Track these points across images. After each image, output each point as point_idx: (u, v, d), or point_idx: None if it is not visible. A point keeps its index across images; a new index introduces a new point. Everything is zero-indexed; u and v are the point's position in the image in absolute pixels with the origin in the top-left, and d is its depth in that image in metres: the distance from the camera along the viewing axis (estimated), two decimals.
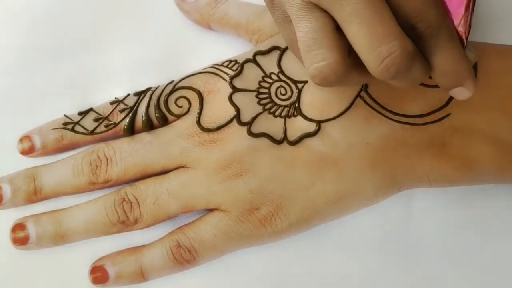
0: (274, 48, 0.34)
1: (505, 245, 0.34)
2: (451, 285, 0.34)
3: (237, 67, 0.34)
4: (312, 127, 0.32)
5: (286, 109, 0.33)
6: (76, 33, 0.37)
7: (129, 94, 0.35)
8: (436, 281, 0.34)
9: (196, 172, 0.33)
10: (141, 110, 0.34)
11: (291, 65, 0.33)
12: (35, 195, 0.34)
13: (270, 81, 0.33)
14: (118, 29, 0.37)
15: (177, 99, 0.34)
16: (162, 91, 0.34)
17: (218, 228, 0.33)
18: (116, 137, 0.34)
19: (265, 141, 0.33)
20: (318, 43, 0.26)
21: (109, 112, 0.34)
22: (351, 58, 0.26)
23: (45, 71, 0.36)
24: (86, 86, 0.36)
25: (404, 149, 0.32)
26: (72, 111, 0.35)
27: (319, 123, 0.32)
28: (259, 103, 0.33)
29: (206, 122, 0.33)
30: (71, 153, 0.35)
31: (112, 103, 0.35)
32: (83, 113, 0.35)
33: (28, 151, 0.35)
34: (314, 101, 0.33)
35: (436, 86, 0.32)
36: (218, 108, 0.33)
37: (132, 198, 0.33)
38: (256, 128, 0.33)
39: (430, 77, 0.28)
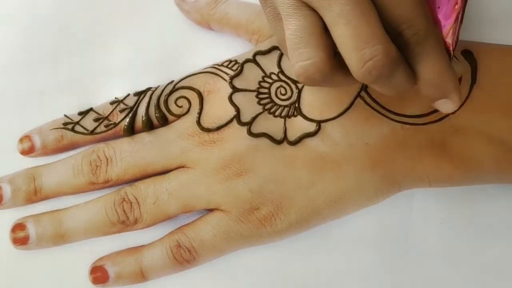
0: (274, 48, 0.34)
1: (505, 245, 0.34)
2: (451, 285, 0.34)
3: (237, 67, 0.34)
4: (312, 127, 0.32)
5: (286, 109, 0.33)
6: (76, 33, 0.37)
7: (129, 94, 0.35)
8: (436, 281, 0.34)
9: (196, 172, 0.33)
10: (141, 110, 0.34)
11: (291, 65, 0.33)
12: (35, 195, 0.34)
13: (270, 81, 0.33)
14: (118, 29, 0.37)
15: (177, 99, 0.34)
16: (162, 91, 0.34)
17: (218, 228, 0.33)
18: (116, 137, 0.35)
19: (265, 141, 0.33)
20: (305, 42, 0.26)
21: (109, 112, 0.34)
22: (337, 59, 0.26)
23: (45, 71, 0.36)
24: (86, 86, 0.36)
25: (404, 149, 0.32)
26: (72, 111, 0.35)
27: (319, 123, 0.32)
28: (259, 103, 0.33)
29: (206, 122, 0.33)
30: (71, 153, 0.35)
31: (112, 103, 0.35)
32: (83, 113, 0.35)
33: (28, 151, 0.35)
34: (314, 101, 0.33)
35: None
36: (218, 108, 0.33)
37: (132, 198, 0.33)
38: (256, 128, 0.33)
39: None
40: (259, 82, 0.33)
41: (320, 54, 0.26)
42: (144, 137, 0.34)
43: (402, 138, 0.32)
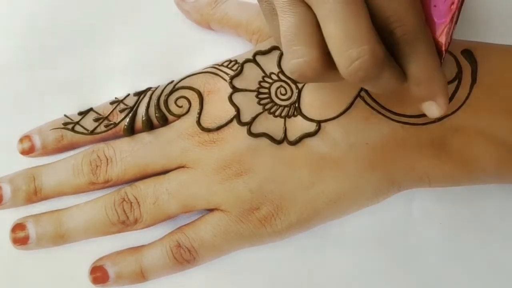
0: (274, 48, 0.34)
1: (505, 245, 0.34)
2: (451, 285, 0.34)
3: (237, 67, 0.34)
4: (312, 127, 0.32)
5: (286, 109, 0.33)
6: (76, 33, 0.37)
7: (129, 94, 0.35)
8: (436, 281, 0.34)
9: (196, 172, 0.33)
10: (141, 110, 0.34)
11: None
12: (35, 195, 0.34)
13: (270, 81, 0.33)
14: (118, 29, 0.37)
15: (177, 99, 0.34)
16: (162, 91, 0.34)
17: (218, 228, 0.33)
18: (116, 137, 0.35)
19: (265, 141, 0.33)
20: (298, 39, 0.26)
21: (109, 112, 0.34)
22: (330, 56, 0.26)
23: (45, 71, 0.36)
24: (86, 86, 0.36)
25: (404, 149, 0.32)
26: (72, 111, 0.35)
27: (319, 123, 0.32)
28: (259, 103, 0.33)
29: (206, 122, 0.33)
30: (71, 153, 0.35)
31: (112, 103, 0.35)
32: (83, 113, 0.35)
33: (28, 151, 0.35)
34: (314, 101, 0.33)
35: None
36: (218, 108, 0.33)
37: (132, 198, 0.33)
38: (256, 128, 0.33)
39: None
40: (259, 82, 0.33)
41: (313, 52, 0.26)
42: (144, 137, 0.34)
43: (402, 138, 0.32)
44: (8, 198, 0.34)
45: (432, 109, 0.28)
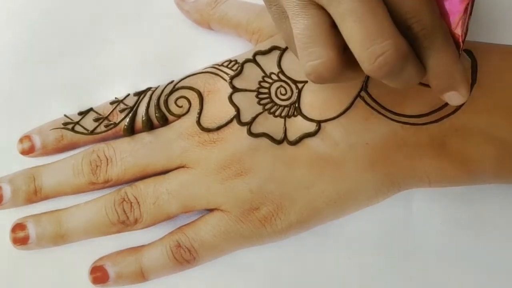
0: (274, 48, 0.34)
1: (505, 245, 0.34)
2: (451, 285, 0.34)
3: (237, 67, 0.34)
4: (312, 127, 0.32)
5: (286, 109, 0.33)
6: (76, 33, 0.37)
7: (129, 94, 0.35)
8: (436, 281, 0.34)
9: (196, 172, 0.33)
10: (141, 110, 0.34)
11: (291, 65, 0.33)
12: (35, 195, 0.34)
13: (270, 81, 0.33)
14: (118, 29, 0.37)
15: (177, 99, 0.34)
16: (162, 91, 0.34)
17: (218, 228, 0.33)
18: (116, 137, 0.35)
19: (265, 141, 0.33)
20: (314, 41, 0.26)
21: (109, 112, 0.34)
22: (346, 55, 0.26)
23: (45, 71, 0.36)
24: (86, 86, 0.36)
25: (404, 149, 0.32)
26: (72, 111, 0.35)
27: (319, 123, 0.32)
28: (259, 103, 0.33)
29: (206, 122, 0.33)
30: (71, 153, 0.35)
31: (112, 103, 0.35)
32: (83, 113, 0.35)
33: (28, 151, 0.35)
34: (314, 101, 0.33)
35: None
36: (218, 108, 0.33)
37: (132, 198, 0.33)
38: (256, 128, 0.33)
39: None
40: (259, 82, 0.33)
41: (330, 53, 0.26)
42: (144, 137, 0.34)
43: (402, 138, 0.32)
44: (8, 198, 0.34)
45: (454, 98, 0.28)
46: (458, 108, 0.32)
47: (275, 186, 0.32)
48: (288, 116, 0.33)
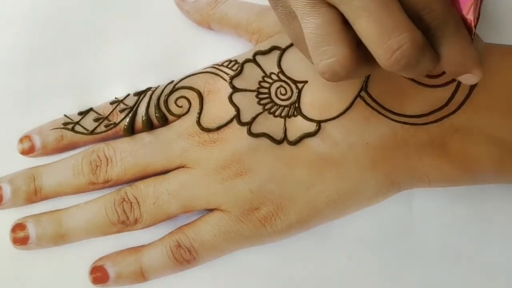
0: (274, 48, 0.34)
1: (505, 245, 0.34)
2: (451, 285, 0.34)
3: (237, 67, 0.34)
4: (312, 127, 0.32)
5: (286, 109, 0.33)
6: (76, 33, 0.37)
7: (129, 94, 0.35)
8: (436, 281, 0.34)
9: (196, 172, 0.33)
10: (141, 110, 0.34)
11: (291, 65, 0.33)
12: (35, 195, 0.34)
13: (270, 81, 0.33)
14: (118, 29, 0.37)
15: (177, 99, 0.34)
16: (162, 91, 0.34)
17: (218, 228, 0.33)
18: (116, 137, 0.35)
19: (265, 141, 0.33)
20: (326, 39, 0.26)
21: (109, 112, 0.34)
22: (360, 51, 0.26)
23: (45, 71, 0.36)
24: (86, 86, 0.36)
25: (404, 149, 0.32)
26: (72, 111, 0.35)
27: (319, 123, 0.32)
28: (259, 103, 0.33)
29: (206, 122, 0.33)
30: (71, 153, 0.35)
31: (112, 103, 0.35)
32: (83, 113, 0.35)
33: (28, 151, 0.35)
34: (314, 101, 0.33)
35: (436, 86, 0.32)
36: (218, 108, 0.33)
37: (132, 198, 0.33)
38: (256, 128, 0.33)
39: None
40: (259, 82, 0.33)
41: (344, 50, 0.26)
42: (144, 137, 0.34)
43: (402, 138, 0.32)
44: (8, 198, 0.34)
45: (468, 79, 0.27)
46: (458, 108, 0.32)
47: (275, 186, 0.32)
48: (288, 116, 0.33)
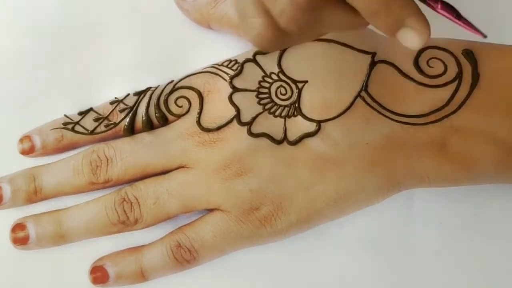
0: None
1: (505, 245, 0.34)
2: (451, 285, 0.34)
3: (237, 67, 0.34)
4: (312, 127, 0.32)
5: (286, 109, 0.33)
6: (76, 33, 0.37)
7: (129, 94, 0.35)
8: (436, 281, 0.34)
9: (196, 172, 0.33)
10: (141, 110, 0.34)
11: (291, 65, 0.33)
12: (35, 195, 0.34)
13: (270, 81, 0.33)
14: (118, 29, 0.37)
15: (177, 99, 0.34)
16: (162, 91, 0.34)
17: (218, 228, 0.33)
18: (116, 137, 0.34)
19: (265, 141, 0.33)
20: (247, 12, 0.24)
21: (109, 112, 0.34)
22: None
23: (45, 71, 0.36)
24: (86, 86, 0.36)
25: (404, 149, 0.32)
26: (72, 111, 0.35)
27: (319, 123, 0.32)
28: (259, 103, 0.33)
29: (206, 122, 0.33)
30: (71, 153, 0.35)
31: (112, 103, 0.35)
32: (83, 113, 0.35)
33: (28, 151, 0.35)
34: (314, 101, 0.33)
35: (436, 86, 0.32)
36: (218, 108, 0.33)
37: (132, 198, 0.33)
38: (256, 128, 0.33)
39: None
40: (259, 82, 0.33)
41: (262, 21, 0.24)
42: (144, 137, 0.34)
43: (402, 138, 0.32)
44: (8, 198, 0.34)
45: (410, 37, 0.22)
46: (458, 108, 0.32)
47: (275, 186, 0.32)
48: (288, 116, 0.33)
